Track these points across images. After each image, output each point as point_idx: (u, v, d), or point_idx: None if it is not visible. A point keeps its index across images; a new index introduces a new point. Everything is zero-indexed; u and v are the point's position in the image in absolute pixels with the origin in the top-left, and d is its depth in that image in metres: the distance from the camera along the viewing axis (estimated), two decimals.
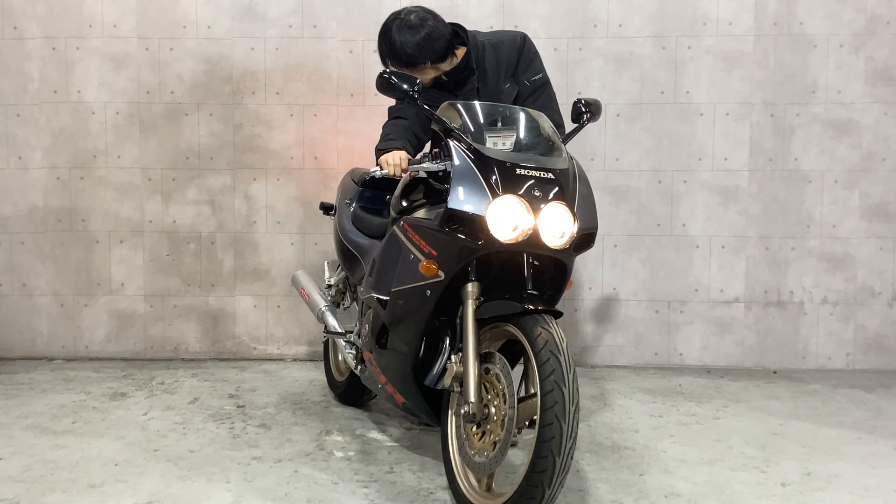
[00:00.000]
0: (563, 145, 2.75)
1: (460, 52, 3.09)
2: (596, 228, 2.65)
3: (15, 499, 2.66)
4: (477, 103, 2.78)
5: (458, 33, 3.10)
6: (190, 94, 4.34)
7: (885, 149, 4.32)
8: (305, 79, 4.34)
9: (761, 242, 4.35)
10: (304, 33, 4.32)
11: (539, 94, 3.13)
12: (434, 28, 2.99)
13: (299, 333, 4.45)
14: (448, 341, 2.79)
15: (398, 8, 4.17)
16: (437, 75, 3.08)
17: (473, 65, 3.09)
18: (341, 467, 2.94)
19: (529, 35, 3.22)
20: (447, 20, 3.08)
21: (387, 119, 3.22)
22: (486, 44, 3.13)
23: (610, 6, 4.27)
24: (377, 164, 2.89)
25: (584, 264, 4.32)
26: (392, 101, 3.19)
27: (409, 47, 2.97)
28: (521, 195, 2.46)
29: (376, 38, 3.09)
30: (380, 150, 2.96)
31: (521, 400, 2.41)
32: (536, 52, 3.19)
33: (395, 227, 2.90)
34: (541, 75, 3.16)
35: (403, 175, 2.81)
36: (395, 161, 2.81)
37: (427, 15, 3.03)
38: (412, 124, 3.09)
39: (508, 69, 3.12)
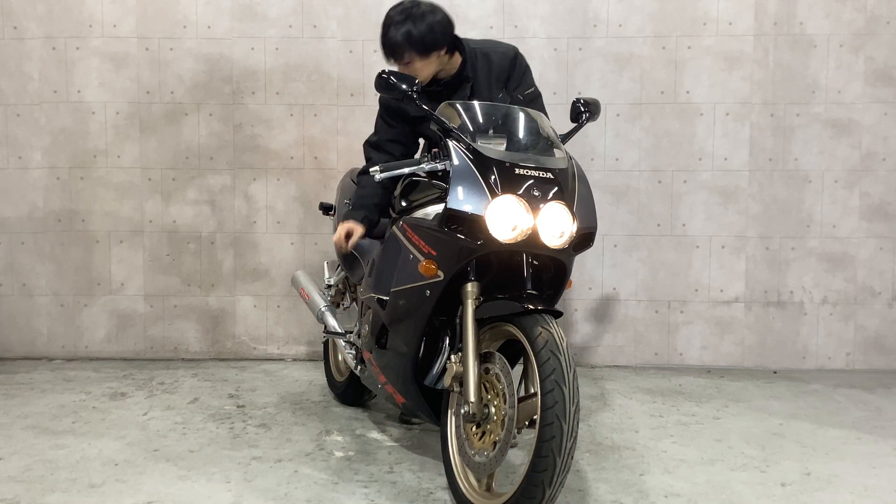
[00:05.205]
0: (562, 145, 2.75)
1: (456, 59, 3.06)
2: (595, 228, 2.65)
3: (15, 499, 2.65)
4: (476, 103, 2.78)
5: (454, 41, 3.05)
6: (190, 94, 4.34)
7: (885, 149, 4.32)
8: (305, 79, 4.34)
9: (761, 242, 4.35)
10: (304, 33, 4.32)
11: (532, 107, 3.11)
12: (431, 23, 2.90)
13: (299, 333, 4.45)
14: (448, 341, 2.79)
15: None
16: (433, 74, 3.02)
17: (469, 73, 3.06)
18: (341, 467, 2.94)
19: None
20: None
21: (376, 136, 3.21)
22: (477, 52, 3.09)
23: (610, 6, 4.27)
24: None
25: (583, 264, 4.32)
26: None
27: (397, 34, 2.91)
28: (520, 195, 2.45)
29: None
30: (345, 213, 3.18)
31: (521, 400, 2.41)
32: (528, 67, 3.17)
33: (394, 227, 2.90)
34: (532, 89, 3.15)
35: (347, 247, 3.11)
36: (341, 234, 3.08)
37: (430, 9, 2.94)
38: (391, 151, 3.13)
39: (500, 79, 3.09)
